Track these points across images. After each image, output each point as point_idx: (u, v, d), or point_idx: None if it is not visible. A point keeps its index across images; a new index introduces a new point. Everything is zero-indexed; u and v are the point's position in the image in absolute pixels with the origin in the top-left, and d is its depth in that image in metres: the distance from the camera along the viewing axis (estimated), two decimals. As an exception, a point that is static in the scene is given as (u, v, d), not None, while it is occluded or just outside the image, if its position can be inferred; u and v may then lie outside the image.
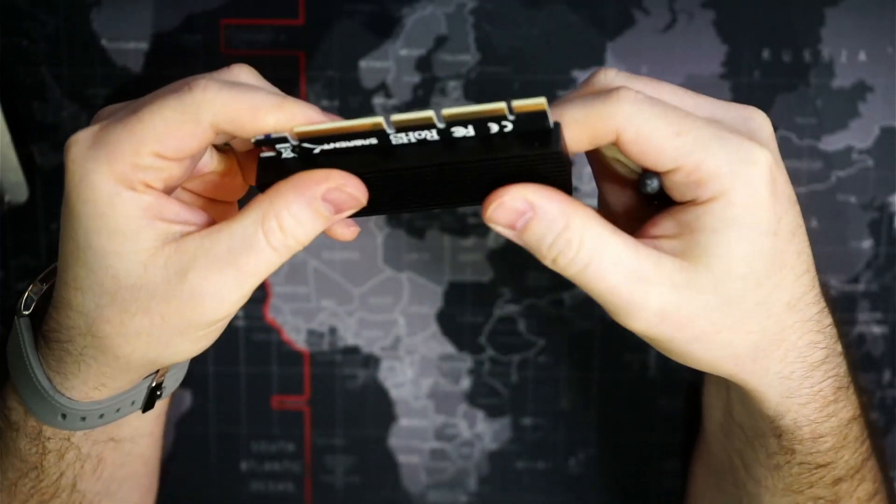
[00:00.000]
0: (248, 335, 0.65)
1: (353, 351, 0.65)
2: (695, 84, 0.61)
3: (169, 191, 0.45)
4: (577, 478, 0.66)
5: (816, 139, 0.62)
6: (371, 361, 0.66)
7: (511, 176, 0.43)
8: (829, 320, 0.48)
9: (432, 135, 0.42)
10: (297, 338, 0.65)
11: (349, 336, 0.65)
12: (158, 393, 0.51)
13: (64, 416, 0.48)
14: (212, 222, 0.45)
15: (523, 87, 0.61)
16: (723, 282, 0.44)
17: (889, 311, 0.64)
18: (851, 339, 0.62)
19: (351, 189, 0.43)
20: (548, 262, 0.44)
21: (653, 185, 0.45)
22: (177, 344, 0.45)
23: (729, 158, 0.43)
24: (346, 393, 0.66)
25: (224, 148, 0.48)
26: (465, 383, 0.66)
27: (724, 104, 0.46)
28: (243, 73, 0.46)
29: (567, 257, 0.43)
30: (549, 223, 0.43)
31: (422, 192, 0.45)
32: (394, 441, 0.67)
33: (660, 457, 0.66)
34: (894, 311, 0.64)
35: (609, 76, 0.46)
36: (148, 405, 0.51)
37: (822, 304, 0.47)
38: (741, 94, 0.61)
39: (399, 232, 0.64)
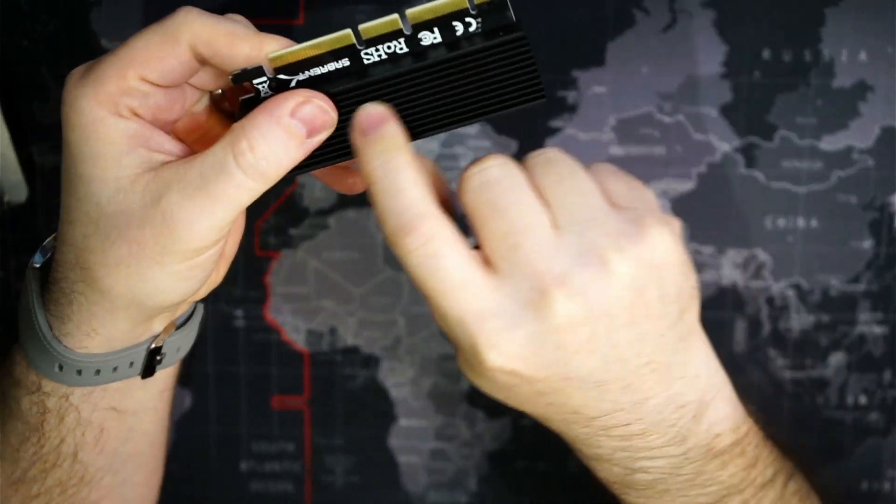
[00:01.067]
0: (248, 335, 0.65)
1: (353, 351, 0.65)
2: (695, 84, 0.61)
3: (157, 124, 0.45)
4: (577, 478, 0.66)
5: (817, 139, 0.62)
6: (371, 361, 0.66)
7: (481, 84, 0.44)
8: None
9: (401, 46, 0.43)
10: (297, 338, 0.65)
11: (349, 336, 0.65)
12: (158, 358, 0.51)
13: (61, 367, 0.49)
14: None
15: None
16: None
17: (889, 311, 0.64)
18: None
19: (319, 101, 0.44)
20: None
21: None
22: (155, 277, 0.45)
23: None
24: (346, 393, 0.66)
25: (220, 104, 0.49)
26: (465, 383, 0.66)
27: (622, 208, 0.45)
28: (236, 17, 0.47)
29: None
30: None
31: (399, 116, 0.45)
32: (394, 441, 0.67)
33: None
34: (894, 312, 0.64)
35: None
36: (147, 371, 0.51)
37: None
38: (741, 94, 0.61)
39: (399, 232, 0.64)
